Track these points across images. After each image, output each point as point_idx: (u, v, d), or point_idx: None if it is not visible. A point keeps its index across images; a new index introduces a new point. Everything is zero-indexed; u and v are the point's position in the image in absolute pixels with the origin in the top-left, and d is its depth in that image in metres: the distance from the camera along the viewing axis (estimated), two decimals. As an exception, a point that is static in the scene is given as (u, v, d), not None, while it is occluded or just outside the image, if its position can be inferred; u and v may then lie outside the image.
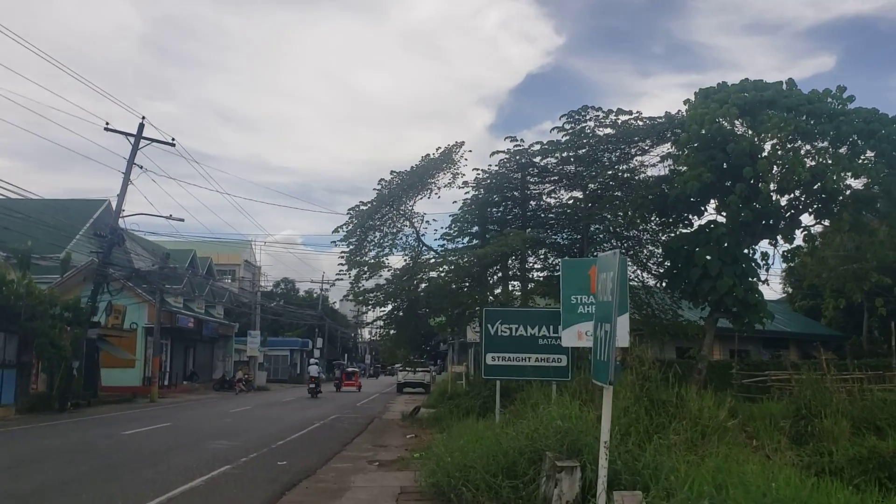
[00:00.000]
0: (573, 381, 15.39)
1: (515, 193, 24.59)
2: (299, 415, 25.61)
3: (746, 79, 19.67)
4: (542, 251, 26.17)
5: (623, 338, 12.60)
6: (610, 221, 23.78)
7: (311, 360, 53.66)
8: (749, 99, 18.29)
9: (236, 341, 58.40)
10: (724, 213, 19.74)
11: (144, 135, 29.48)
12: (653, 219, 23.56)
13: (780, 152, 18.05)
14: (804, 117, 17.97)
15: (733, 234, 19.11)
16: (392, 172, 23.39)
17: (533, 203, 25.41)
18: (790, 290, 46.07)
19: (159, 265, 37.46)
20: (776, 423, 15.41)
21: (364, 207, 23.34)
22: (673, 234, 22.89)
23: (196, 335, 49.92)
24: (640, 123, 21.29)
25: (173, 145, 29.88)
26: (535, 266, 26.82)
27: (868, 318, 36.10)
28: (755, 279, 19.30)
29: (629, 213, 22.34)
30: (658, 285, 23.82)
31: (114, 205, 40.89)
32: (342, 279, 24.41)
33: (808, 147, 18.45)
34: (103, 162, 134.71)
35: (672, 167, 21.76)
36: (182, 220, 35.86)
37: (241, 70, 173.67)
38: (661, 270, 22.85)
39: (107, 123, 28.72)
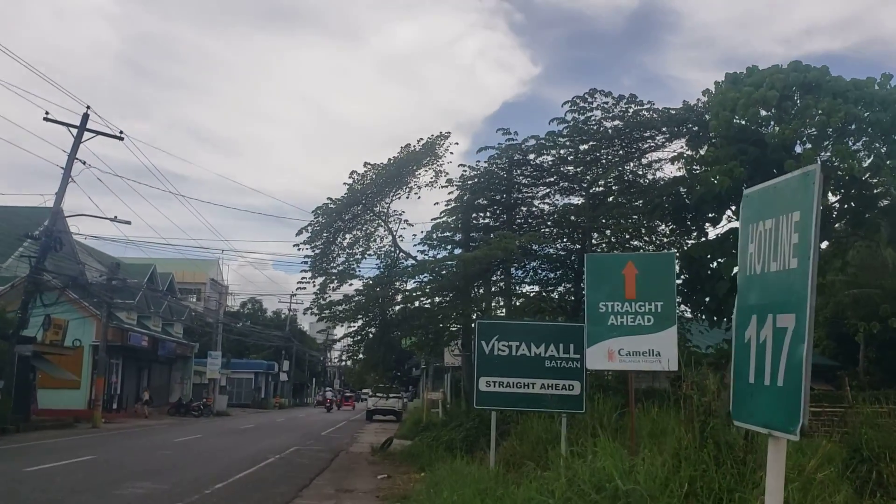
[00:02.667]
0: (587, 414, 12.47)
1: (504, 197, 21.68)
2: (253, 446, 22.25)
3: (777, 65, 16.98)
4: (532, 264, 23.23)
5: (672, 358, 9.78)
6: (614, 230, 20.91)
7: (327, 389, 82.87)
8: (790, 82, 15.57)
9: (196, 363, 54.63)
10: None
11: (91, 127, 26.22)
12: (662, 227, 20.77)
13: (827, 144, 15.34)
14: (857, 105, 15.26)
15: (765, 242, 16.27)
16: (366, 164, 20.22)
17: (524, 209, 22.47)
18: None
19: (107, 276, 33.87)
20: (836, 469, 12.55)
21: (332, 206, 20.08)
22: (683, 245, 20.14)
23: (151, 355, 46.22)
24: (654, 115, 18.53)
25: (121, 139, 26.69)
26: (525, 280, 23.87)
27: (865, 347, 33.50)
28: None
29: (638, 219, 19.48)
30: None
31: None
32: (304, 288, 21.06)
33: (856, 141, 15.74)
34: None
35: (688, 167, 18.99)
36: (129, 222, 31.89)
37: (219, 92, 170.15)
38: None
39: (46, 113, 25.48)
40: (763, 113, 15.85)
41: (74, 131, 25.92)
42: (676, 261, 19.67)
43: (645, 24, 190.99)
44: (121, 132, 26.67)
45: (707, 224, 18.81)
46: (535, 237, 18.83)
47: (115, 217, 27.41)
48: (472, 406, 21.90)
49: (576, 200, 21.66)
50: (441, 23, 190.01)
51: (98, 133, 26.11)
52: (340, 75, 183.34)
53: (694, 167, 18.26)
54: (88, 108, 25.94)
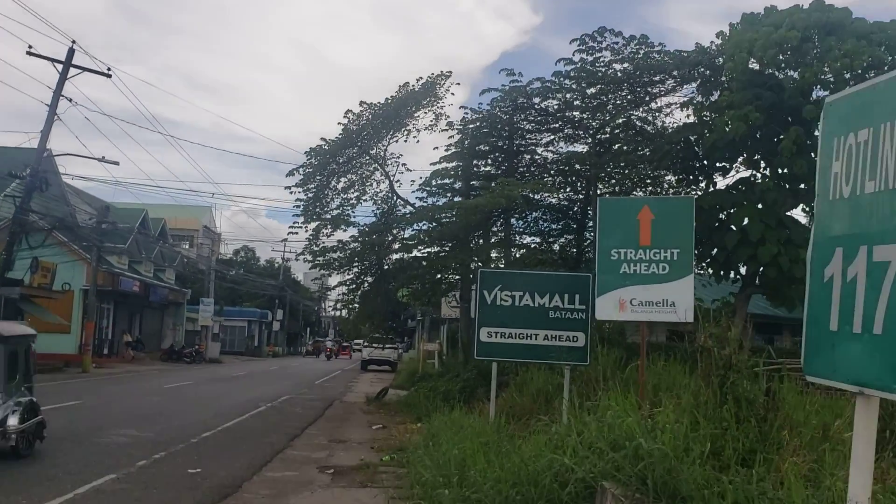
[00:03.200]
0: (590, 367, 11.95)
1: (506, 143, 20.89)
2: (244, 394, 21.82)
3: (798, 4, 16.10)
4: (534, 215, 22.56)
5: (688, 309, 9.18)
6: (618, 178, 20.20)
7: (326, 339, 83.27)
8: (812, 22, 14.71)
9: (189, 309, 54.12)
10: (767, 168, 16.27)
11: (78, 63, 25.16)
12: (668, 176, 20.07)
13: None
14: (881, 48, 14.44)
15: (779, 192, 15.62)
16: (362, 103, 19.21)
17: (527, 157, 21.71)
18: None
19: (97, 219, 33.07)
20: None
21: (326, 147, 19.20)
22: (690, 195, 19.51)
23: (143, 301, 45.61)
24: (665, 58, 17.67)
25: (109, 76, 25.59)
26: (525, 231, 23.24)
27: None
28: (803, 248, 15.82)
29: (644, 167, 18.77)
30: None
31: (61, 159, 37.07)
32: (296, 233, 20.27)
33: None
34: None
35: (698, 114, 18.22)
36: (117, 163, 30.59)
37: (213, 37, 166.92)
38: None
39: (29, 46, 24.38)
40: (780, 57, 15.02)
41: (60, 67, 24.86)
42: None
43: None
44: (108, 69, 25.63)
45: (717, 173, 18.17)
46: (539, 185, 18.10)
47: (103, 157, 26.52)
48: (471, 357, 21.57)
49: (580, 148, 20.95)
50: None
51: (84, 69, 25.03)
52: (336, 22, 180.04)
53: (704, 114, 17.52)
54: (74, 42, 24.86)
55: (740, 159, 16.78)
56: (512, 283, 11.65)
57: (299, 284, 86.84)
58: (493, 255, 21.89)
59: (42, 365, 30.03)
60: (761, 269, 15.82)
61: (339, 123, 19.22)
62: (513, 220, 22.30)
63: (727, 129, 15.30)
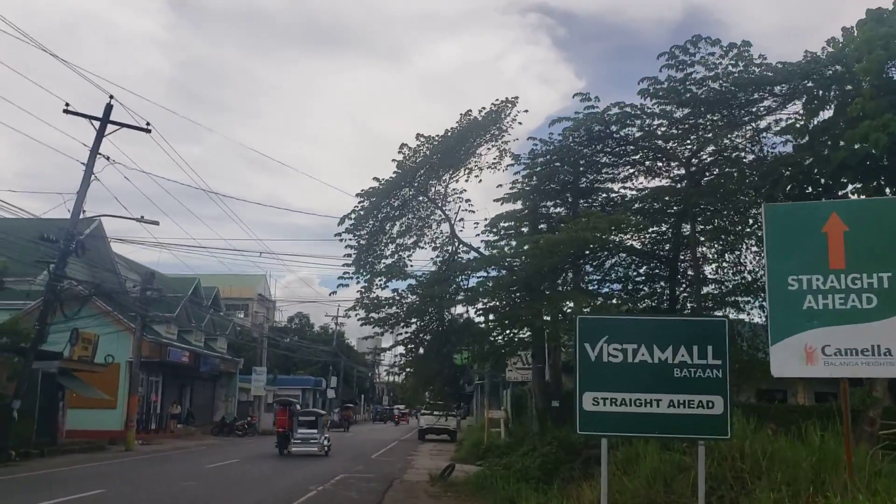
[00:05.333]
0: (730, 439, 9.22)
1: (579, 180, 18.47)
2: (293, 474, 19.32)
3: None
4: (611, 261, 19.92)
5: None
6: (713, 213, 17.51)
7: (395, 406, 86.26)
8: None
9: (241, 379, 52.19)
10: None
11: (118, 119, 23.84)
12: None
13: None
14: None
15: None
16: (419, 136, 16.97)
17: (602, 195, 19.26)
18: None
19: (141, 286, 31.44)
20: None
21: (380, 187, 16.91)
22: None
23: (193, 371, 43.87)
24: (766, 72, 15.18)
25: (149, 131, 24.11)
26: (600, 279, 20.54)
27: None
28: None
29: (750, 197, 16.10)
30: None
31: (105, 226, 35.91)
32: (347, 285, 17.81)
33: None
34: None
35: (797, 139, 15.62)
36: (157, 222, 28.19)
37: (267, 114, 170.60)
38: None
39: (66, 104, 23.15)
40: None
41: (97, 125, 23.53)
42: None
43: (689, 36, 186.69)
44: (147, 124, 24.14)
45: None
46: (626, 218, 15.55)
47: (142, 217, 24.89)
48: (549, 427, 18.79)
49: (664, 182, 18.46)
50: (484, 40, 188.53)
51: (122, 125, 23.64)
52: (384, 95, 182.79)
53: (793, 139, 15.00)
54: (112, 97, 23.55)
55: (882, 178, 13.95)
56: (622, 333, 9.04)
57: (353, 350, 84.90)
58: (569, 307, 19.26)
59: (84, 443, 28.24)
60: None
61: (392, 160, 17.10)
62: (588, 267, 19.79)
63: (859, 145, 12.66)
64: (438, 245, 18.15)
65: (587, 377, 9.01)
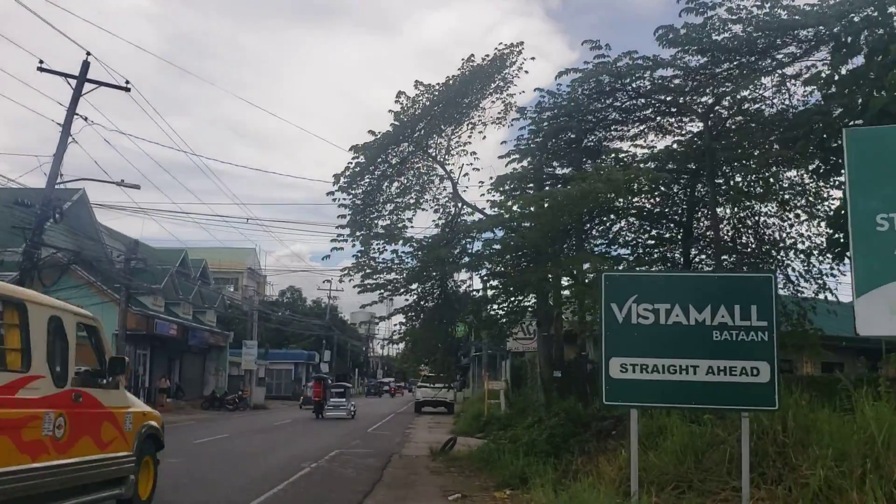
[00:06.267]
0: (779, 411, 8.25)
1: (586, 138, 17.33)
2: (286, 449, 18.36)
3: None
4: (619, 223, 18.80)
5: None
6: (733, 170, 16.41)
7: (389, 379, 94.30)
8: None
9: (232, 353, 51.23)
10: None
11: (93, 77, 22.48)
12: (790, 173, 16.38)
13: None
14: None
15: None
16: (417, 85, 15.65)
17: (612, 156, 18.10)
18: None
19: (125, 255, 30.27)
20: None
21: (375, 143, 15.63)
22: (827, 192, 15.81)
23: (182, 345, 42.90)
24: (794, 16, 13.99)
25: (128, 90, 22.72)
26: (607, 243, 19.39)
27: None
28: None
29: (770, 153, 15.00)
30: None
31: (89, 195, 34.59)
32: (341, 248, 16.60)
33: None
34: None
35: (824, 89, 14.50)
36: (138, 186, 25.93)
37: (255, 86, 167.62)
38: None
39: (40, 61, 21.77)
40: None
41: (74, 83, 22.19)
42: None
43: (683, 7, 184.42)
44: (127, 82, 22.80)
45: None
46: (643, 172, 14.38)
47: (122, 181, 23.55)
48: (550, 399, 17.83)
49: (674, 141, 17.36)
50: (476, 10, 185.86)
51: (100, 83, 22.27)
52: (375, 66, 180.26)
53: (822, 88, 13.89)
54: (89, 54, 22.16)
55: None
56: (653, 292, 8.02)
57: (346, 324, 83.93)
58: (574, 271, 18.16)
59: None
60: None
61: (389, 111, 15.85)
62: (594, 231, 18.73)
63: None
64: (440, 205, 16.94)
65: (614, 341, 8.02)
